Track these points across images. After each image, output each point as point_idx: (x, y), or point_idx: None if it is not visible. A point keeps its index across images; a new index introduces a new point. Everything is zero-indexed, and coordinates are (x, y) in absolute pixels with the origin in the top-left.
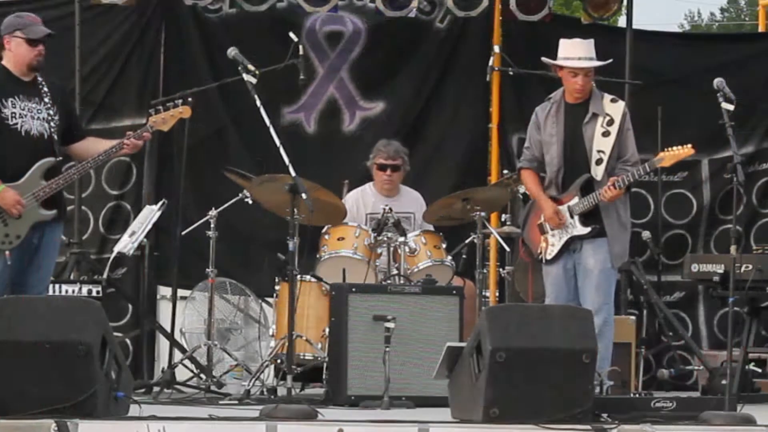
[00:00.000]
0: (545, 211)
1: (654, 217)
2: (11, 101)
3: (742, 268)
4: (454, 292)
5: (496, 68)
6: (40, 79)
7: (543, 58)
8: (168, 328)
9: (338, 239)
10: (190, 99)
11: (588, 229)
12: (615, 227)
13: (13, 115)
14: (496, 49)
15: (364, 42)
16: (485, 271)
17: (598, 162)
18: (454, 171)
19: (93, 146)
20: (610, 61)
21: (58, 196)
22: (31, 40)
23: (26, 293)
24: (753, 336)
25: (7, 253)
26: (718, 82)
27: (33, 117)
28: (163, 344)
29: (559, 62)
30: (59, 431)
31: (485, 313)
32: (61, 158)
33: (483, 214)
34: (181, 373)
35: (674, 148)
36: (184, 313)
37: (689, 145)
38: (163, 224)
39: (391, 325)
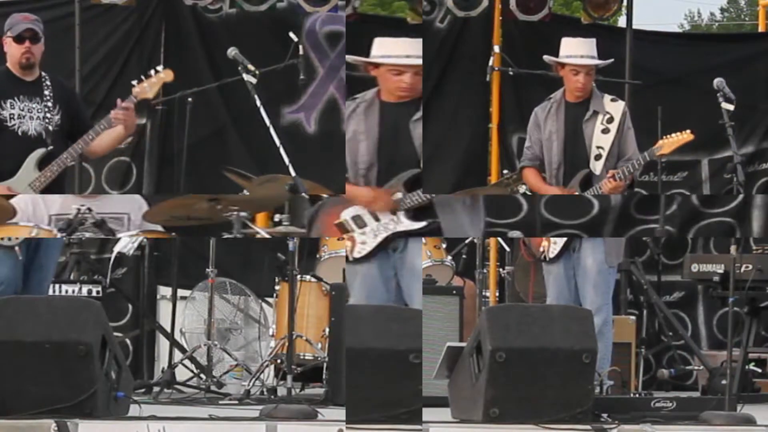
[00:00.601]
0: None
1: None
2: (10, 102)
3: (742, 268)
4: (454, 292)
5: (496, 68)
6: (45, 76)
7: (545, 57)
8: (168, 328)
9: (338, 239)
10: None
11: None
12: None
13: (12, 116)
14: (496, 49)
15: None
16: (485, 271)
17: (597, 157)
18: (454, 171)
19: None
20: (612, 60)
21: (58, 191)
22: (14, 38)
23: (28, 293)
24: (753, 336)
25: (16, 248)
26: (718, 82)
27: (32, 117)
28: (163, 344)
29: (561, 60)
30: (59, 431)
31: (485, 313)
32: (52, 147)
33: None
34: (181, 373)
35: (673, 134)
36: (184, 313)
37: (688, 131)
38: None
39: None
